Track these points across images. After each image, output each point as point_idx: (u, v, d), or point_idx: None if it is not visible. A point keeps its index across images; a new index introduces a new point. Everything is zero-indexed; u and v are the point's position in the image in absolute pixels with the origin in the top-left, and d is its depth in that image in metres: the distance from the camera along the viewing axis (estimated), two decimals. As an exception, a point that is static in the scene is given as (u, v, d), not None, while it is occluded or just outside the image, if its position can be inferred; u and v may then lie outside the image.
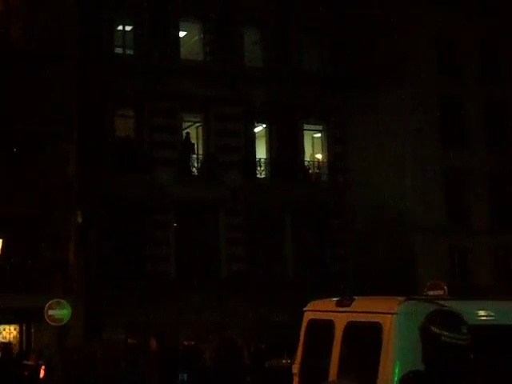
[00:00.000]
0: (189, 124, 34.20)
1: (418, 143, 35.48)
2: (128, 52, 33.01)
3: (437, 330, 4.68)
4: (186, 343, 18.75)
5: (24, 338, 28.55)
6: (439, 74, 36.28)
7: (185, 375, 3.39)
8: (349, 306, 7.19)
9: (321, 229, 34.54)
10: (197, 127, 34.35)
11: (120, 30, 32.92)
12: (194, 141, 33.81)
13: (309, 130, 36.00)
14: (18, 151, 27.34)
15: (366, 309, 6.93)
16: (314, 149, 36.45)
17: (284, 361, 26.09)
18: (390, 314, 6.32)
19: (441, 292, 22.79)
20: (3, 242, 25.36)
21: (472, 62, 36.87)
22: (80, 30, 29.70)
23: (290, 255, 34.15)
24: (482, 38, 36.99)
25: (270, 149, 34.91)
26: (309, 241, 34.40)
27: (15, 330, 28.67)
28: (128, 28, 33.01)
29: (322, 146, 36.24)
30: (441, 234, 34.90)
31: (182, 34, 33.87)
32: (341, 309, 7.31)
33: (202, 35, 34.26)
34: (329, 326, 7.35)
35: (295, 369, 8.12)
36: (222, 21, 33.84)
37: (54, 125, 28.04)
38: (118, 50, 32.84)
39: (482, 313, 6.51)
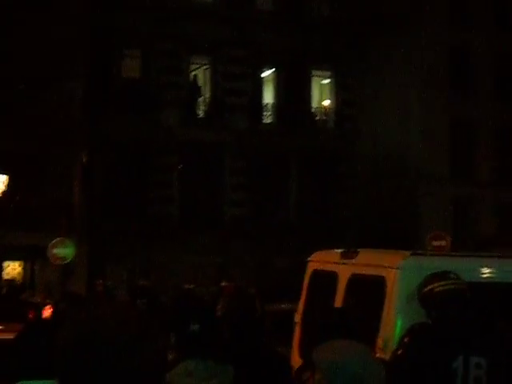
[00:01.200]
0: (196, 66, 33.91)
1: (425, 93, 35.19)
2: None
3: (428, 288, 4.80)
4: (186, 286, 18.79)
5: (28, 274, 28.86)
6: (451, 24, 35.81)
7: (196, 326, 3.36)
8: (353, 258, 7.19)
9: (326, 175, 34.49)
10: (204, 70, 34.07)
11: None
12: (201, 83, 33.58)
13: (317, 76, 35.69)
14: (24, 89, 27.21)
15: (370, 262, 6.93)
16: (321, 95, 36.19)
17: (284, 305, 26.37)
18: (395, 268, 6.32)
19: (443, 242, 22.84)
20: (8, 179, 25.39)
21: (484, 11, 36.35)
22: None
23: (294, 201, 34.20)
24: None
25: (277, 94, 34.68)
26: (313, 187, 34.38)
27: (19, 266, 28.95)
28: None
29: (330, 92, 35.97)
30: (445, 184, 34.86)
31: (192, -26, 33.38)
32: (345, 261, 7.31)
33: (212, -24, 33.77)
34: (332, 277, 7.36)
35: (297, 318, 8.16)
36: (232, -38, 33.32)
37: (60, 63, 27.82)
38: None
39: (485, 270, 6.50)
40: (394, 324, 6.10)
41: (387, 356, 6.01)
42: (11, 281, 19.43)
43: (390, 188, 35.16)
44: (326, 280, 7.60)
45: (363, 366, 3.15)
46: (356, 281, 6.96)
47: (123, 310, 2.04)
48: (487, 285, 6.38)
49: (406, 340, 4.77)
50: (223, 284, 19.37)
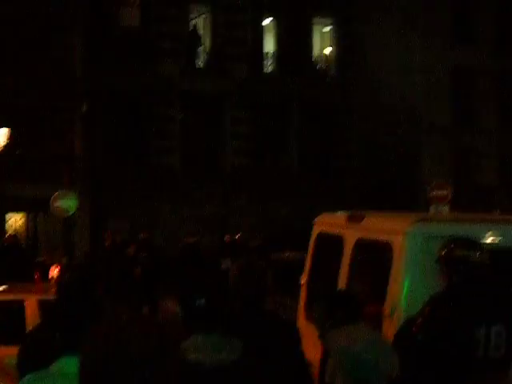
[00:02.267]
0: (195, 15, 33.49)
1: (426, 40, 34.84)
2: None
3: (465, 253, 4.87)
4: (189, 240, 18.80)
5: (30, 226, 28.95)
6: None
7: (202, 300, 3.27)
8: (360, 222, 7.18)
9: (327, 125, 34.34)
10: (204, 19, 33.66)
11: None
12: (200, 32, 33.21)
13: (318, 23, 35.26)
14: (23, 41, 26.94)
15: (377, 227, 6.91)
16: (323, 43, 35.81)
17: (287, 254, 26.47)
18: (402, 234, 6.31)
19: (444, 192, 22.87)
20: (10, 132, 25.33)
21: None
22: None
23: (296, 150, 34.10)
24: None
25: (278, 42, 34.32)
26: (315, 136, 34.23)
27: (21, 219, 29.01)
28: None
29: (332, 40, 35.59)
30: (447, 133, 34.75)
31: None
32: (351, 225, 7.31)
33: None
34: (338, 240, 7.37)
35: (303, 280, 8.20)
36: None
37: (58, 15, 27.51)
38: None
39: (493, 235, 6.49)
40: (400, 291, 6.12)
41: (394, 322, 6.05)
42: (14, 236, 19.36)
43: (391, 137, 35.04)
44: (332, 243, 7.62)
45: (375, 350, 3.16)
46: (362, 245, 6.97)
47: (144, 322, 2.05)
48: (496, 251, 6.39)
49: (427, 309, 4.80)
50: (226, 237, 19.52)
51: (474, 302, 4.73)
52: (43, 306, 8.61)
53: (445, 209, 17.87)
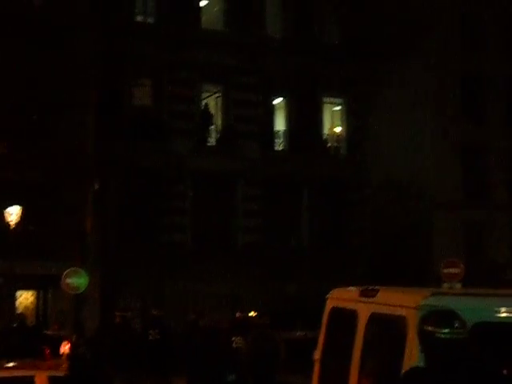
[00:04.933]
0: (207, 94, 34.03)
1: (437, 118, 35.21)
2: (148, 20, 32.77)
3: (430, 329, 4.77)
4: (192, 317, 18.68)
5: (41, 304, 28.83)
6: (463, 49, 35.85)
7: (233, 376, 3.23)
8: (373, 296, 7.13)
9: (338, 202, 34.45)
10: (216, 98, 34.17)
11: (141, -2, 32.70)
12: (212, 111, 33.67)
13: (328, 102, 35.74)
14: (36, 118, 27.35)
15: (390, 301, 6.85)
16: (333, 122, 36.23)
17: (298, 333, 26.18)
18: (415, 308, 6.26)
19: (457, 270, 22.72)
20: (22, 210, 25.48)
21: (496, 37, 36.39)
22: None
23: (307, 228, 34.12)
24: (507, 12, 36.44)
25: (288, 121, 34.76)
26: (326, 214, 34.31)
27: (32, 296, 28.92)
28: (149, -4, 32.77)
29: (342, 119, 36.01)
30: (458, 210, 34.74)
31: (202, 3, 33.60)
32: (364, 299, 7.25)
33: (222, 4, 33.96)
34: (352, 315, 7.31)
35: (317, 355, 8.10)
36: (243, -10, 33.55)
37: (72, 92, 27.98)
38: (139, 18, 32.62)
39: (507, 310, 6.43)
40: (417, 363, 6.03)
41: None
42: (20, 314, 19.27)
43: (402, 214, 35.05)
44: (345, 318, 7.55)
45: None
46: (376, 320, 6.91)
47: None
48: (508, 324, 6.33)
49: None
50: (238, 315, 19.34)
51: (444, 380, 4.63)
52: (53, 382, 8.53)
53: (458, 286, 17.73)
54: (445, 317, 4.88)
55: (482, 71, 35.96)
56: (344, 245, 34.13)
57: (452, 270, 22.59)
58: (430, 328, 4.71)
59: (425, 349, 4.75)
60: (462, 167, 35.59)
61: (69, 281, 20.45)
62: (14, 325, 18.23)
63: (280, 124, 34.72)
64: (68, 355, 9.88)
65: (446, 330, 4.68)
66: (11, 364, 9.78)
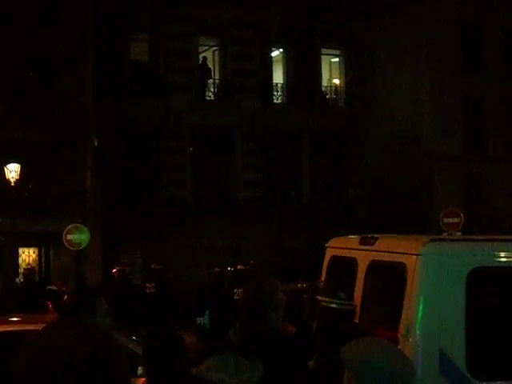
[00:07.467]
0: (205, 48, 33.77)
1: (436, 69, 34.96)
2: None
3: (318, 298, 5.05)
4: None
5: (43, 260, 29.04)
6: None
7: (202, 319, 3.22)
8: (372, 244, 7.17)
9: (337, 155, 34.44)
10: (213, 51, 33.94)
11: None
12: (210, 65, 33.45)
13: (327, 54, 35.50)
14: (33, 77, 27.20)
15: (389, 248, 6.91)
16: (331, 74, 36.02)
17: (299, 285, 26.39)
18: (415, 254, 6.31)
19: (457, 219, 22.84)
20: (21, 168, 25.52)
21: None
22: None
23: (306, 181, 34.16)
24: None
25: (286, 73, 34.55)
26: (325, 167, 34.33)
27: (34, 253, 29.13)
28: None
29: (340, 71, 35.79)
30: (457, 162, 34.71)
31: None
32: (364, 247, 7.30)
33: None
34: (352, 263, 7.37)
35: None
36: None
37: (69, 50, 27.77)
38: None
39: (504, 254, 6.49)
40: (415, 310, 6.11)
41: (409, 343, 6.03)
42: (28, 269, 19.44)
43: (402, 166, 35.01)
44: (345, 266, 7.62)
45: (392, 363, 3.14)
46: (376, 267, 6.97)
47: (87, 331, 1.92)
48: (506, 269, 6.39)
49: None
50: (239, 267, 19.54)
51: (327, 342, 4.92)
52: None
53: (457, 234, 17.81)
54: (331, 288, 5.27)
55: (480, 21, 35.54)
56: (343, 198, 34.21)
57: (451, 220, 22.73)
58: (318, 297, 5.06)
59: (316, 314, 5.04)
60: (461, 119, 35.45)
61: (70, 237, 20.58)
62: (21, 280, 18.37)
63: (278, 77, 34.52)
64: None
65: (328, 299, 5.03)
66: (15, 318, 9.88)
